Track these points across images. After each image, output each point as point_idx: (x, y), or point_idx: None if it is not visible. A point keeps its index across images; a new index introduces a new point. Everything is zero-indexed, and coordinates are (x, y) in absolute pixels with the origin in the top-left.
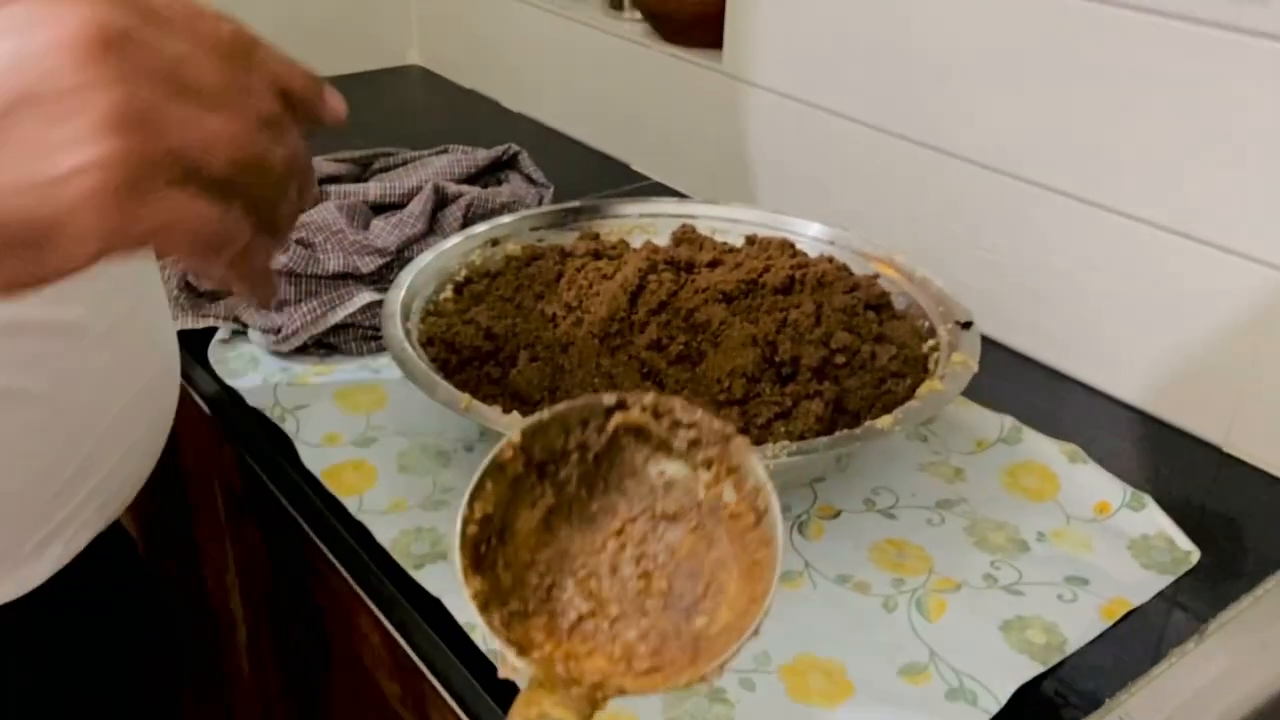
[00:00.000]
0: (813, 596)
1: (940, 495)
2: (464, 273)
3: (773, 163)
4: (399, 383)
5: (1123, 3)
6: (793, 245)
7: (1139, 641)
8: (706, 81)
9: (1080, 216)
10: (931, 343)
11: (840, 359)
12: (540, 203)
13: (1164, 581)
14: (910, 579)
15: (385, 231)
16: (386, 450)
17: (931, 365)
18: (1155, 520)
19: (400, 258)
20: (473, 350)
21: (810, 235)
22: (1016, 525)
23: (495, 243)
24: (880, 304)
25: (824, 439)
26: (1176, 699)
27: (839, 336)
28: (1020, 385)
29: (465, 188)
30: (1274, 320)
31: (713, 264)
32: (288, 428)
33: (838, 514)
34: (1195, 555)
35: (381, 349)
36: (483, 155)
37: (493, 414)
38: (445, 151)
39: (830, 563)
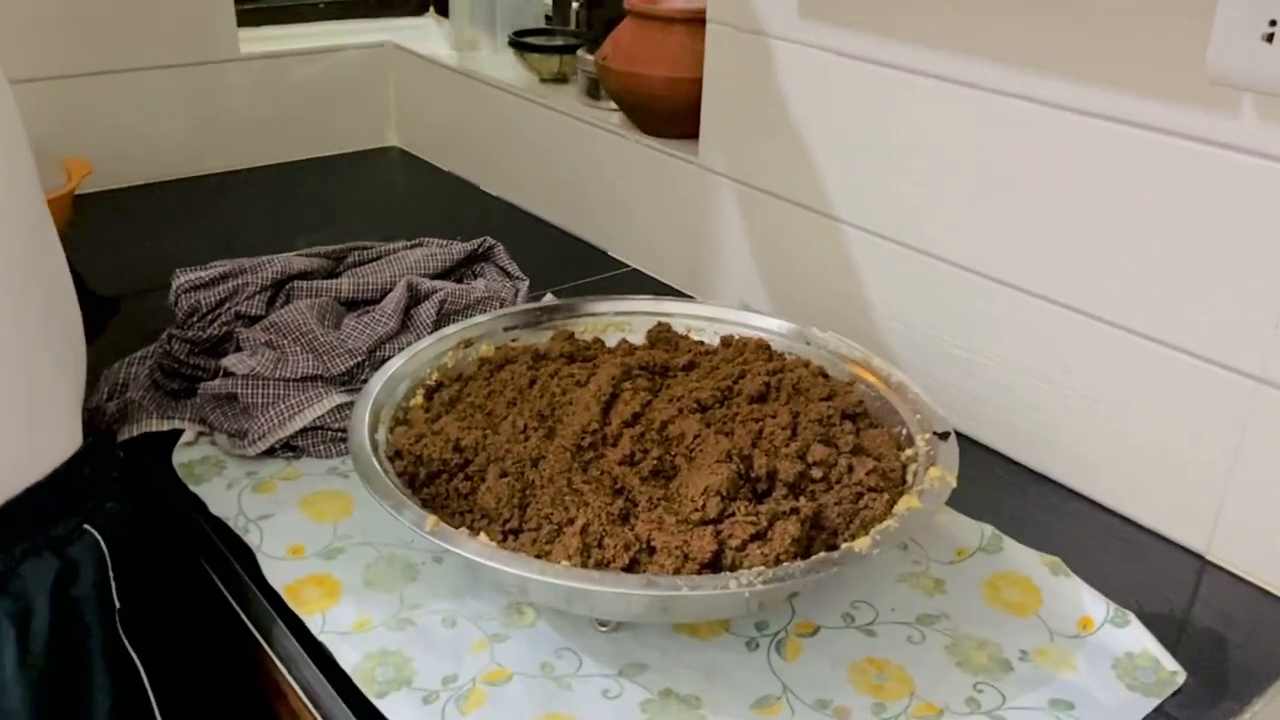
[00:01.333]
0: None
1: (921, 609)
2: (435, 376)
3: (747, 255)
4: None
5: (1099, 113)
6: (768, 346)
7: None
8: (681, 172)
9: (1057, 320)
10: (909, 452)
11: (817, 473)
12: (516, 297)
13: (1150, 704)
14: (891, 704)
15: (356, 331)
16: (353, 563)
17: (909, 477)
18: (1139, 638)
19: (372, 358)
20: (441, 464)
21: (785, 334)
22: (999, 643)
23: (468, 344)
24: (856, 413)
25: (800, 564)
26: None
27: (815, 450)
28: (998, 486)
29: (439, 284)
30: (1253, 428)
31: (688, 367)
32: (251, 539)
33: (816, 630)
34: (1181, 676)
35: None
36: (457, 249)
37: (458, 538)
38: (420, 245)
39: (809, 686)
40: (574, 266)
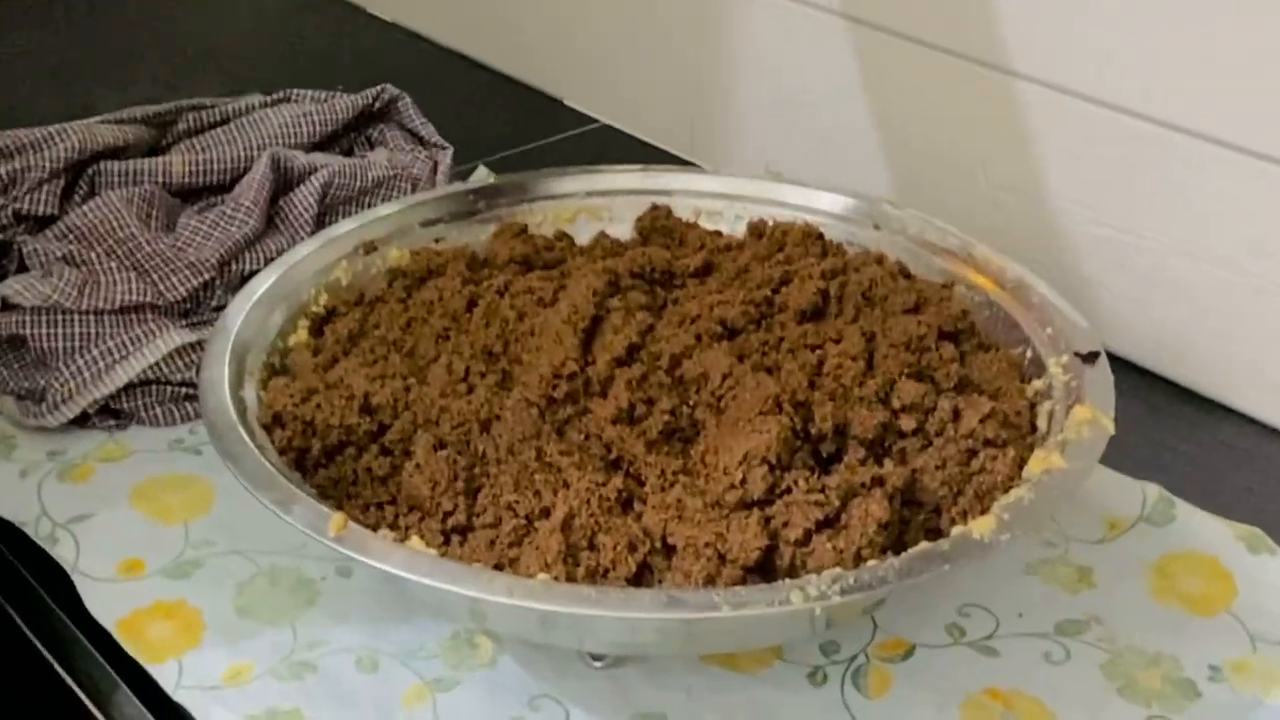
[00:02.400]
0: None
1: (1061, 613)
2: (324, 299)
3: (778, 99)
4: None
5: None
6: (820, 235)
7: None
8: None
9: (1252, 179)
10: (1038, 385)
11: (907, 423)
12: (434, 173)
13: None
14: None
15: (200, 234)
16: (217, 582)
17: (1041, 421)
18: None
19: (225, 274)
20: (344, 433)
21: (844, 214)
22: (1176, 657)
23: (371, 248)
24: (959, 330)
25: (893, 562)
26: None
27: (904, 388)
28: (1162, 426)
29: (320, 157)
30: None
31: (702, 270)
32: (62, 552)
33: (910, 651)
34: None
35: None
36: (342, 105)
37: (377, 544)
38: (287, 99)
39: None
40: (517, 124)
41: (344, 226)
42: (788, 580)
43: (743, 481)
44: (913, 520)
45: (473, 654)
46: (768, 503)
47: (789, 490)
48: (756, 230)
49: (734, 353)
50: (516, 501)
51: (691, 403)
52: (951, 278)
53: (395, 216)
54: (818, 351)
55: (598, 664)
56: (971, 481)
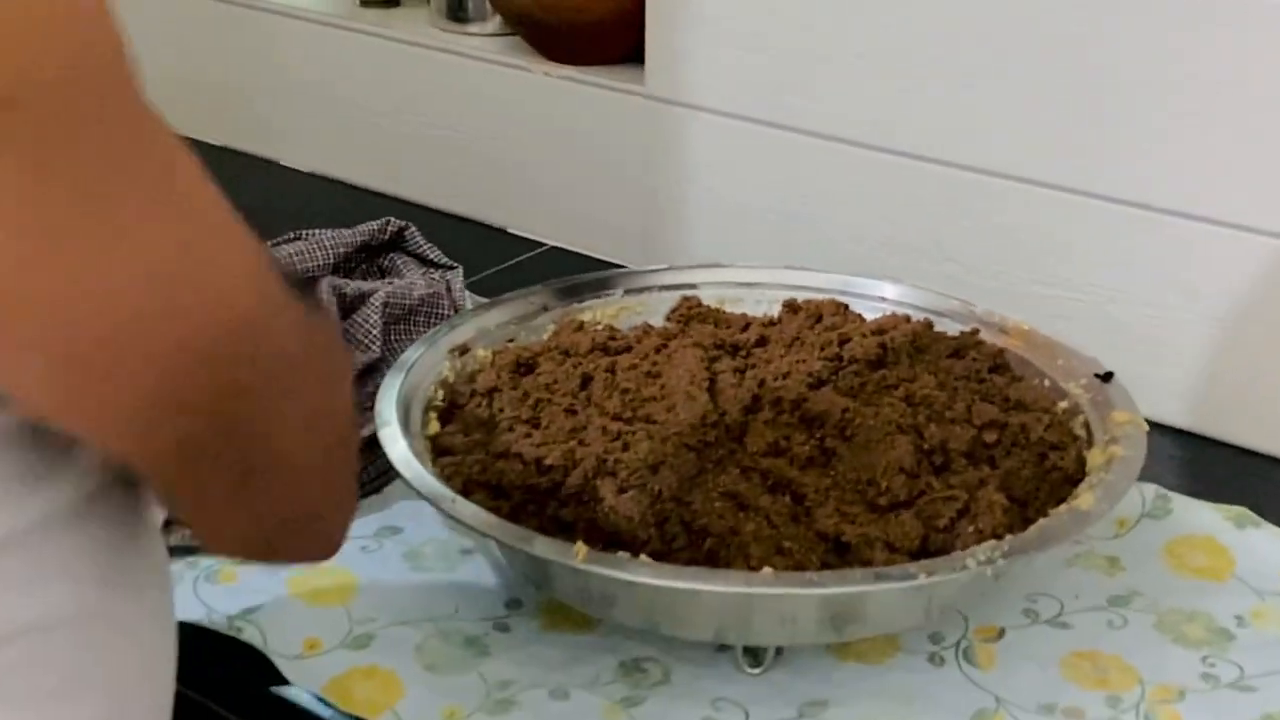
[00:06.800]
0: None
1: (1108, 591)
2: (442, 395)
3: (723, 206)
4: (366, 558)
5: None
6: (846, 306)
7: None
8: (621, 108)
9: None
10: (1064, 404)
11: (990, 436)
12: (450, 292)
13: None
14: (1124, 695)
15: None
16: (396, 648)
17: (1080, 431)
18: None
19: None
20: (526, 491)
21: (844, 290)
22: (1208, 612)
23: (464, 350)
24: (998, 365)
25: (1035, 531)
26: None
27: (981, 409)
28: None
29: (366, 284)
30: None
31: (760, 342)
32: (249, 637)
33: (1001, 634)
34: None
35: None
36: (349, 235)
37: (629, 563)
38: (299, 239)
39: (1024, 693)
40: (469, 255)
41: (442, 335)
42: (958, 553)
43: (887, 489)
44: (1012, 510)
45: (645, 677)
46: (911, 503)
47: (923, 492)
48: (792, 306)
49: (839, 394)
50: (708, 524)
51: (819, 435)
52: (975, 328)
53: (473, 323)
54: (899, 388)
55: (754, 670)
56: (1047, 478)
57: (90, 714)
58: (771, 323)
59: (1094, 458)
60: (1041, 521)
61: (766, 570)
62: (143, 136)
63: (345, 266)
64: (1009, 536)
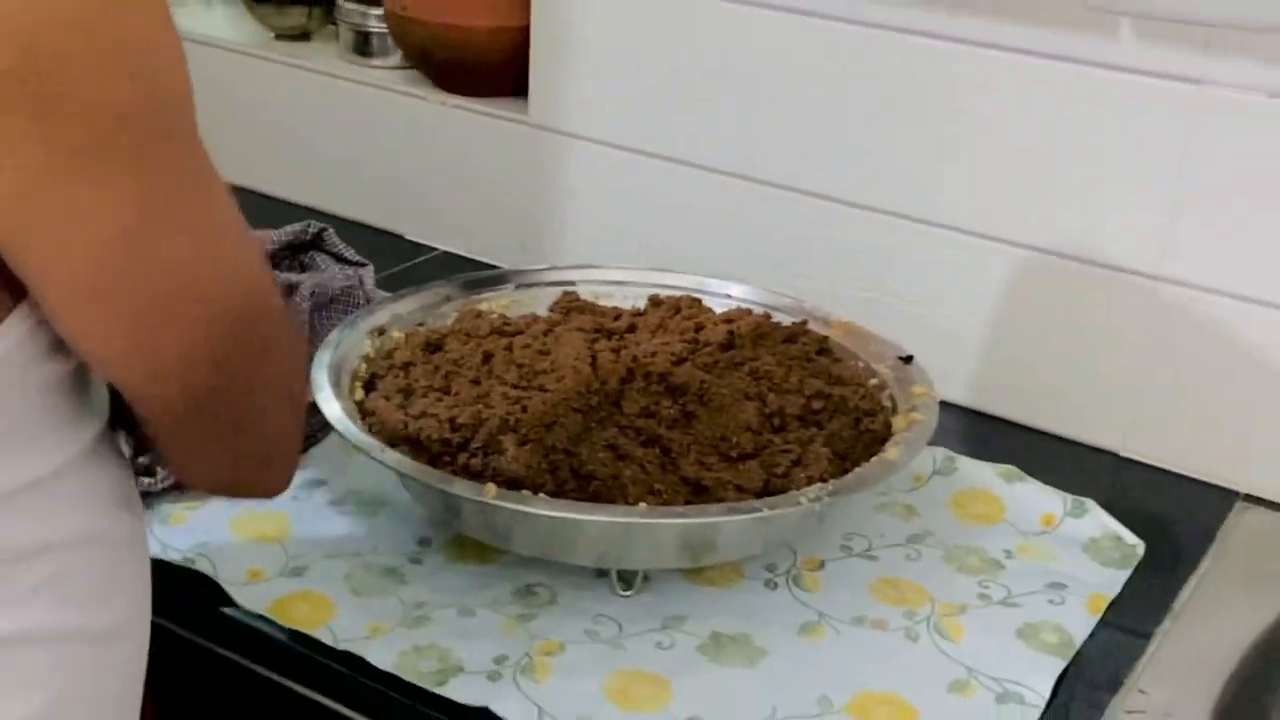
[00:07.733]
0: (839, 641)
1: (906, 532)
2: (364, 368)
3: (595, 220)
4: (297, 505)
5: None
6: (699, 300)
7: (1124, 627)
8: (504, 133)
9: (914, 236)
10: (874, 380)
11: (817, 404)
12: (361, 285)
13: (1124, 574)
14: (918, 609)
15: None
16: (327, 577)
17: (886, 401)
18: (1100, 521)
19: None
20: (442, 444)
21: (698, 289)
22: (983, 548)
23: (381, 331)
24: (824, 349)
25: (852, 476)
26: (1179, 667)
27: (810, 383)
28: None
29: (292, 276)
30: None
31: (629, 329)
32: (201, 568)
33: (822, 564)
34: (1141, 548)
35: None
36: (275, 236)
37: (532, 500)
38: None
39: (841, 608)
40: (370, 257)
41: (363, 318)
42: (793, 492)
43: (737, 443)
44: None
45: (536, 599)
46: (756, 455)
47: (766, 447)
48: (656, 301)
49: (697, 370)
50: (595, 470)
51: (682, 401)
52: (804, 319)
53: (388, 309)
54: (744, 366)
55: (625, 593)
56: (862, 437)
57: (116, 613)
58: (639, 314)
59: (898, 422)
60: (858, 469)
61: (641, 505)
62: (199, 156)
63: (271, 262)
64: (833, 481)
